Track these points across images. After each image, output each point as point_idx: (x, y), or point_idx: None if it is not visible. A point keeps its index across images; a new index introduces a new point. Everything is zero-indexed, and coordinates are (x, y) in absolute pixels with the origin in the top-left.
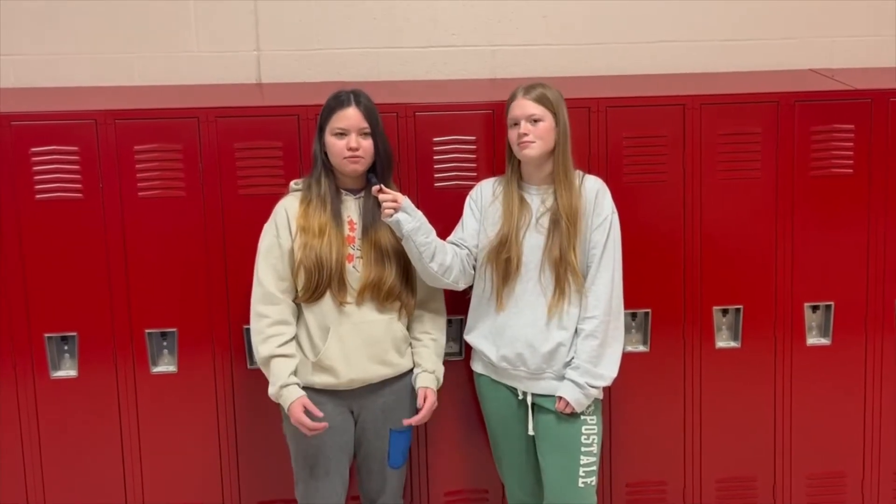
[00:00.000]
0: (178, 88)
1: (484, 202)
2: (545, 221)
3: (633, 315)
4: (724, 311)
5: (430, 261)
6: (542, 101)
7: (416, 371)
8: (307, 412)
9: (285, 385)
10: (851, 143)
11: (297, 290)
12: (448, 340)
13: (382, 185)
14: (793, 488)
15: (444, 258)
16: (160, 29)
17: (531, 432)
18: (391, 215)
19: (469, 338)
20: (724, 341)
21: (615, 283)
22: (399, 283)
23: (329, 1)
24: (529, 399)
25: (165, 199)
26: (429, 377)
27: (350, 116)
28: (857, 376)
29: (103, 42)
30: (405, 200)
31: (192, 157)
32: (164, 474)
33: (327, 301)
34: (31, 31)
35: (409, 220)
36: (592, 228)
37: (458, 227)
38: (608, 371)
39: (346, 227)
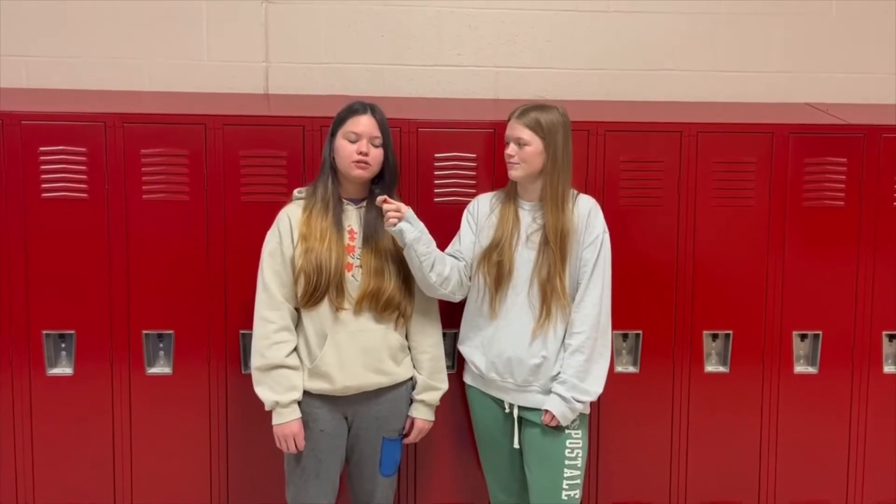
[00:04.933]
0: (187, 95)
1: (480, 215)
2: (536, 238)
3: (625, 336)
4: (714, 336)
5: (429, 270)
6: (532, 125)
7: (413, 394)
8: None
9: (286, 406)
10: (844, 177)
11: (297, 297)
12: None
13: (387, 196)
14: None
15: (442, 269)
16: (172, 36)
17: (516, 446)
18: (394, 224)
19: (461, 348)
20: (713, 366)
21: (604, 300)
22: (398, 293)
23: (338, 16)
24: (516, 412)
25: (169, 202)
26: (418, 408)
27: (364, 123)
28: (842, 406)
29: (116, 47)
30: (408, 211)
31: (198, 163)
32: (153, 475)
33: (325, 307)
34: (45, 33)
35: (411, 229)
36: (584, 246)
37: (455, 240)
38: (594, 387)
39: (347, 236)
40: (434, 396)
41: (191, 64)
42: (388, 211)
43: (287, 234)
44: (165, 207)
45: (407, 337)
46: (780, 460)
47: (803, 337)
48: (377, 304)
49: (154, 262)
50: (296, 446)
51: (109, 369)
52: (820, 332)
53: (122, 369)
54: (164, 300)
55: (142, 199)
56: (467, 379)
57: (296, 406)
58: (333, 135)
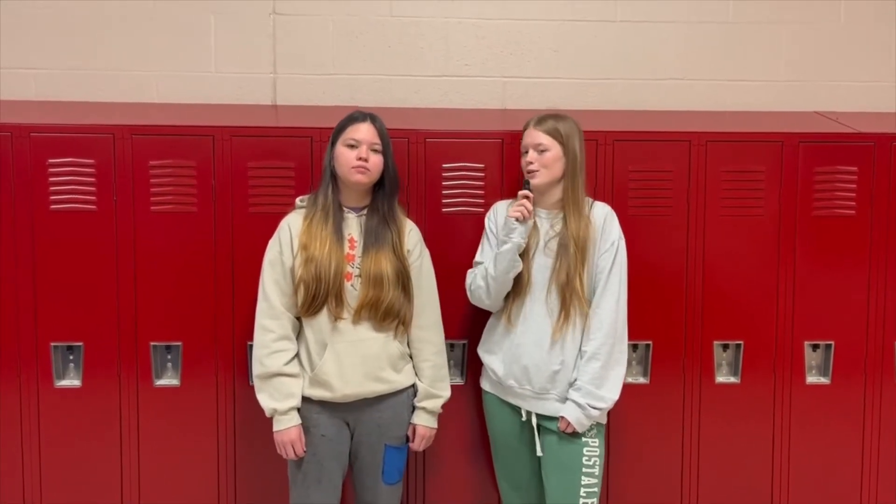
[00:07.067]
0: (195, 107)
1: (500, 224)
2: (553, 245)
3: (635, 347)
4: (725, 347)
5: (505, 276)
6: (551, 132)
7: (414, 401)
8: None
9: (284, 413)
10: (854, 185)
11: (297, 306)
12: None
13: (531, 194)
14: None
15: (511, 281)
16: (180, 48)
17: (539, 453)
18: (519, 219)
19: (480, 352)
20: (723, 376)
21: (619, 307)
22: (397, 302)
23: (345, 27)
24: (534, 420)
25: (177, 214)
26: (419, 415)
27: (364, 130)
28: (855, 417)
29: (124, 59)
30: (531, 222)
31: (206, 174)
32: (161, 487)
33: (324, 316)
34: (54, 46)
35: (524, 234)
36: (599, 253)
37: (480, 251)
38: (610, 393)
39: (347, 245)
40: (435, 404)
41: (199, 75)
42: (522, 205)
43: (287, 243)
44: (173, 219)
45: (409, 345)
46: (792, 471)
47: (815, 347)
48: (376, 314)
49: (162, 273)
50: (295, 453)
51: (117, 381)
52: (832, 342)
53: (129, 381)
54: (171, 312)
55: (150, 210)
56: (485, 385)
57: (294, 413)
58: (333, 144)
